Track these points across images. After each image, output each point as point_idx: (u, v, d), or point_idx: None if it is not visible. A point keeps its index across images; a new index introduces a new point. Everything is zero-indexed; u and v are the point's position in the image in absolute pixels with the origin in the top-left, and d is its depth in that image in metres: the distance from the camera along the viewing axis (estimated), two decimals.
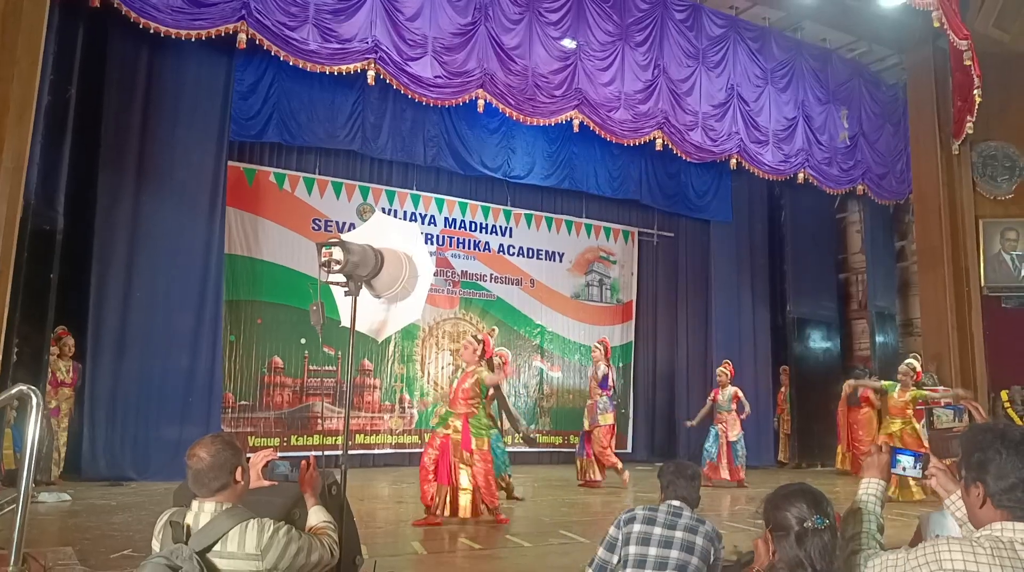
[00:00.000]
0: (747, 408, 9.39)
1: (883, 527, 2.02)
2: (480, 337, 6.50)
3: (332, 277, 2.76)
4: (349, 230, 7.31)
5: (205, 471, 2.21)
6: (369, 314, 2.97)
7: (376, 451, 9.93)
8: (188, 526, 2.18)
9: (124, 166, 7.99)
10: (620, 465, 8.44)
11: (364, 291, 2.86)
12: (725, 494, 8.37)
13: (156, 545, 2.23)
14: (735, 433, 9.20)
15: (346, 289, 2.77)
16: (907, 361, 8.58)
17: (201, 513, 2.20)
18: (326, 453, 8.79)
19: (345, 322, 2.84)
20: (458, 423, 6.05)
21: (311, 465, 2.56)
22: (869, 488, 2.09)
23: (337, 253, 2.65)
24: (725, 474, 9.04)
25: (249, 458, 2.44)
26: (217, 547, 2.13)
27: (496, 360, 6.75)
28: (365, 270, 2.76)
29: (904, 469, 2.13)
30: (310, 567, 2.23)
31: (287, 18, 7.69)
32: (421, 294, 2.94)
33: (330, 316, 2.94)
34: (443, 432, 6.13)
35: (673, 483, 2.89)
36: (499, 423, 7.31)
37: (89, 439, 7.62)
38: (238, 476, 2.26)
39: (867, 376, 10.69)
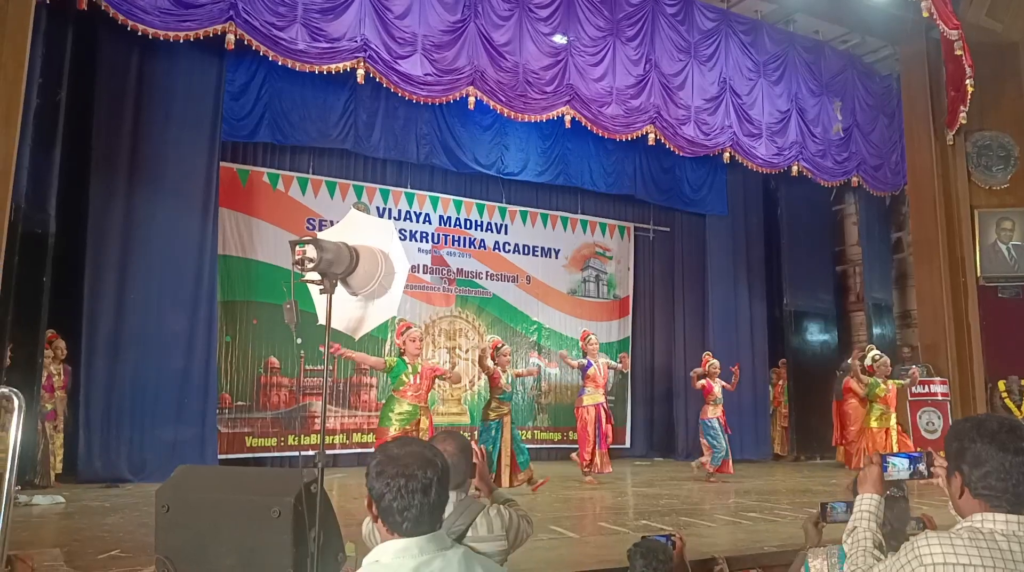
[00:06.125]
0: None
1: (881, 543, 2.00)
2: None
3: (307, 275, 2.75)
4: None
5: (455, 464, 2.32)
6: (346, 312, 2.96)
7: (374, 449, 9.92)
8: None
9: (116, 168, 7.98)
10: (573, 455, 8.72)
11: (340, 289, 2.86)
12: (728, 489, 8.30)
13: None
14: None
15: (321, 287, 2.76)
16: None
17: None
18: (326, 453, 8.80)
19: (322, 320, 2.83)
20: None
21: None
22: (862, 504, 2.07)
23: (310, 251, 2.63)
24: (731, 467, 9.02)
25: None
26: (469, 533, 2.36)
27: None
28: (340, 268, 2.75)
29: (897, 473, 2.05)
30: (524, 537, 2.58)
31: (275, 18, 7.68)
32: (397, 291, 2.92)
33: (309, 311, 2.96)
34: None
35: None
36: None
37: (85, 441, 7.62)
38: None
39: (849, 370, 10.77)
